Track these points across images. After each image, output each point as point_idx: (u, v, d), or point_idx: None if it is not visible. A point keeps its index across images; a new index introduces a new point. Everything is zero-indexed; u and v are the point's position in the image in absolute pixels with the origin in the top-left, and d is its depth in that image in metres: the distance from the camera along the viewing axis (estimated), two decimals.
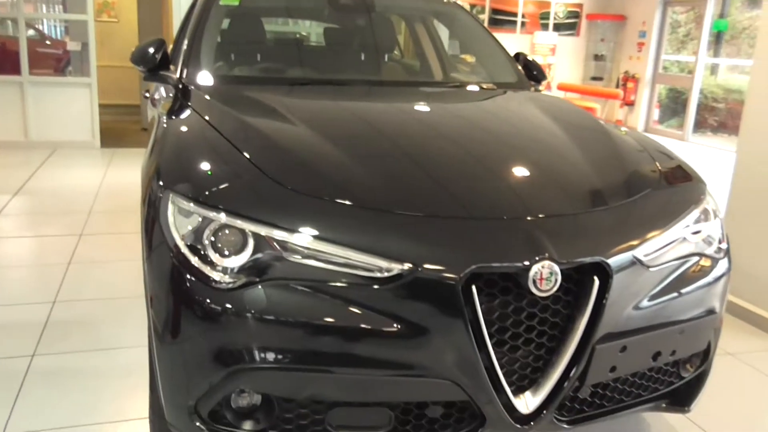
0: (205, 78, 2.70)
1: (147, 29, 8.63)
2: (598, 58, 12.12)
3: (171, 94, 2.71)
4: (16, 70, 6.98)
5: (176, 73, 2.73)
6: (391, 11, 3.76)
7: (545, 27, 11.59)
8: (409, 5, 3.78)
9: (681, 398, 2.08)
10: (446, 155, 2.11)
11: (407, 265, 1.63)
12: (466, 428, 1.77)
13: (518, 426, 1.74)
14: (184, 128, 2.22)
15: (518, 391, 1.75)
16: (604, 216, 1.88)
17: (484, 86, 3.06)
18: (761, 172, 3.41)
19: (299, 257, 1.66)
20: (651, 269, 1.85)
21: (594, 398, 1.91)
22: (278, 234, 1.67)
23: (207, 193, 1.75)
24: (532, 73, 3.25)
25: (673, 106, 12.74)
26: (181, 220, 1.74)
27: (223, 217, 1.69)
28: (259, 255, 1.67)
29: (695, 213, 2.06)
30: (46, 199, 5.21)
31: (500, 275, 1.68)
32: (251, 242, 1.68)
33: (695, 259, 2.00)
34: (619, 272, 1.77)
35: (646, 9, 11.42)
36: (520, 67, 3.22)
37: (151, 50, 2.79)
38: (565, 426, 1.84)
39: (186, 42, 2.83)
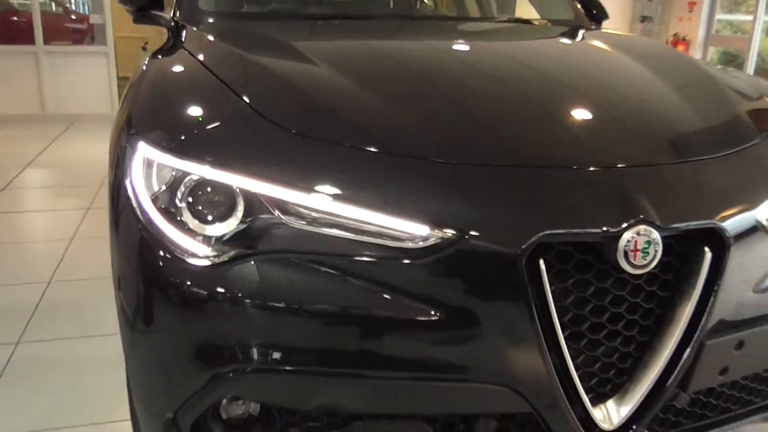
0: (204, 15, 2.26)
1: None
2: (645, 19, 11.35)
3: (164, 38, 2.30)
4: (32, 40, 6.70)
5: (170, 11, 2.31)
6: None
7: None
8: None
9: None
10: (500, 96, 1.63)
11: (450, 232, 1.19)
12: None
13: None
14: (167, 69, 1.79)
15: (598, 399, 1.31)
16: (715, 166, 1.40)
17: (536, 23, 2.58)
18: None
19: (305, 223, 1.23)
20: None
21: (694, 407, 1.46)
22: (277, 191, 1.24)
23: (184, 137, 1.33)
24: (591, 11, 2.75)
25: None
26: (152, 176, 1.32)
27: (203, 170, 1.27)
28: (251, 220, 1.24)
29: None
30: (57, 173, 4.90)
31: (577, 246, 1.22)
32: (241, 203, 1.25)
33: None
34: (738, 241, 1.30)
35: None
36: (578, 5, 2.72)
37: None
38: None
39: None
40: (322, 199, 1.23)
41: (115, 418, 1.98)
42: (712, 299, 1.28)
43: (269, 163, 1.28)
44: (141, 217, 1.29)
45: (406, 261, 1.20)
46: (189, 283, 1.23)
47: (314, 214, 1.23)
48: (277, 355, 1.24)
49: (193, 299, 1.24)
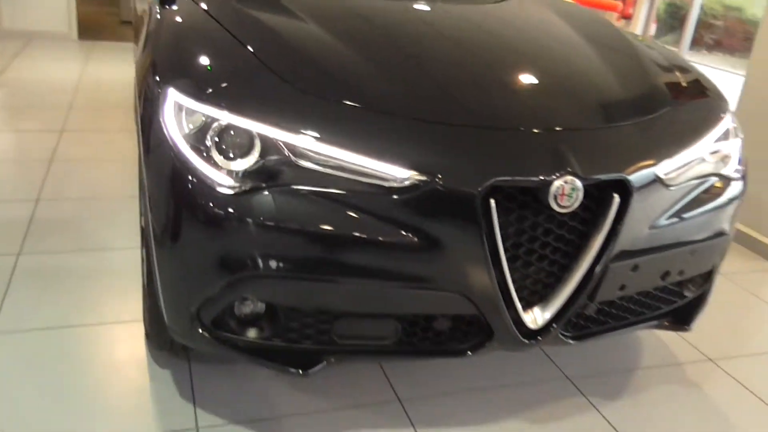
0: None
1: None
2: None
3: None
4: None
5: None
6: None
7: None
8: None
9: (682, 317, 2.09)
10: (465, 61, 1.98)
11: (425, 176, 1.55)
12: (472, 341, 1.75)
13: (525, 341, 1.73)
14: (180, 19, 2.05)
15: (528, 306, 1.73)
16: (627, 131, 1.80)
17: None
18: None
19: (310, 163, 1.57)
20: (670, 188, 1.80)
21: (599, 315, 1.90)
22: (288, 137, 1.57)
23: (211, 90, 1.63)
24: None
25: (671, 21, 12.40)
26: (182, 118, 1.62)
27: (229, 117, 1.58)
28: (267, 159, 1.57)
29: (717, 131, 1.99)
30: (23, 92, 4.96)
31: (519, 189, 1.61)
32: (258, 144, 1.58)
33: (713, 179, 1.95)
34: (640, 190, 1.71)
35: None
36: None
37: None
38: (570, 342, 1.84)
39: None
40: (323, 145, 1.56)
41: (124, 319, 2.30)
42: (616, 233, 1.69)
43: (281, 113, 1.60)
44: (174, 152, 1.60)
45: (390, 196, 1.56)
46: (216, 206, 1.56)
47: (317, 156, 1.57)
48: (282, 264, 1.58)
49: (217, 219, 1.57)
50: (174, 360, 2.11)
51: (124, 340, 2.21)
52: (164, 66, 1.78)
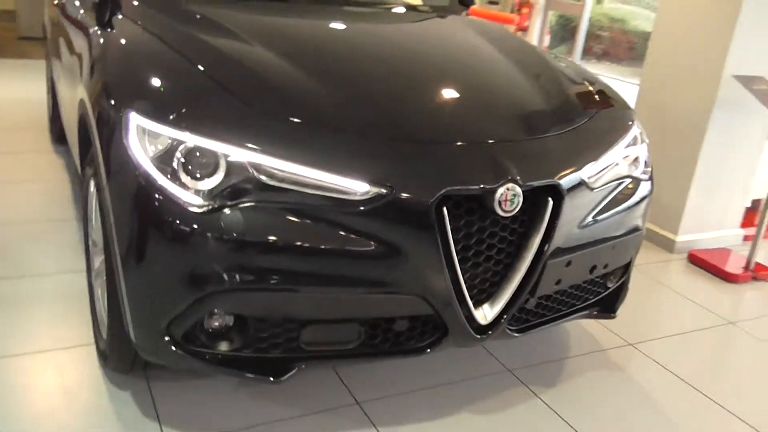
0: None
1: None
2: None
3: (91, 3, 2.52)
4: None
5: None
6: None
7: None
8: None
9: (608, 306, 2.32)
10: (405, 78, 2.13)
11: (383, 189, 1.68)
12: (429, 339, 1.89)
13: (477, 336, 1.88)
14: (126, 41, 2.09)
15: (478, 303, 1.88)
16: (556, 141, 2.00)
17: (421, 9, 3.07)
18: (664, 102, 3.69)
19: (273, 180, 1.66)
20: (594, 190, 2.01)
21: (538, 309, 2.09)
22: (252, 156, 1.65)
23: (174, 112, 1.69)
24: None
25: (562, 32, 13.19)
26: (146, 141, 1.68)
27: (194, 139, 1.65)
28: (232, 177, 1.65)
29: (628, 138, 2.23)
30: None
31: (466, 197, 1.77)
32: (223, 164, 1.65)
33: (627, 181, 2.18)
34: (569, 193, 1.91)
35: None
36: None
37: None
38: (515, 335, 2.01)
39: None
40: (285, 162, 1.66)
41: (69, 345, 2.28)
42: (552, 233, 1.88)
43: (243, 133, 1.69)
44: (141, 174, 1.65)
45: (350, 208, 1.67)
46: (185, 225, 1.63)
47: (280, 173, 1.66)
48: (251, 277, 1.67)
49: (188, 237, 1.63)
50: (132, 380, 2.12)
51: (75, 364, 2.19)
52: (121, 90, 1.82)
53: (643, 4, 14.99)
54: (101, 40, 2.14)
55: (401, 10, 2.99)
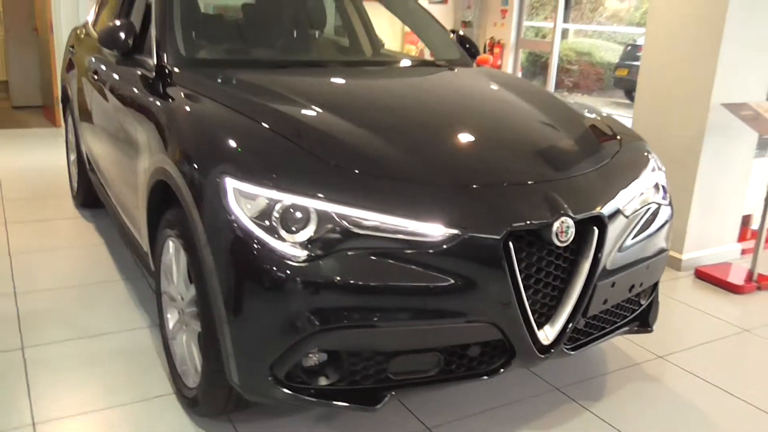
0: (187, 61, 2.72)
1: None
2: (466, 24, 12.70)
3: (139, 75, 2.75)
4: None
5: (150, 57, 2.74)
6: None
7: None
8: None
9: (645, 321, 2.54)
10: (454, 128, 2.38)
11: (457, 230, 1.90)
12: (498, 362, 2.09)
13: (541, 355, 2.09)
14: (196, 110, 2.31)
15: (540, 326, 2.09)
16: (594, 176, 2.25)
17: (439, 63, 3.34)
18: (658, 131, 3.99)
19: (359, 228, 1.87)
20: (628, 217, 2.26)
21: (586, 328, 2.31)
22: (339, 209, 1.86)
23: (269, 175, 1.90)
24: (467, 47, 3.57)
25: (533, 68, 13.74)
26: (244, 202, 1.88)
27: (289, 197, 1.86)
28: (323, 229, 1.86)
29: (649, 167, 2.50)
30: None
31: (529, 232, 1.99)
32: (315, 218, 1.86)
33: (653, 206, 2.44)
34: (610, 221, 2.15)
35: None
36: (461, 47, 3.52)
37: (122, 35, 2.79)
38: (570, 353, 2.22)
39: (155, 27, 2.81)
40: (369, 212, 1.88)
41: (153, 395, 2.44)
42: (599, 257, 2.11)
43: (330, 189, 1.90)
44: (243, 232, 1.85)
45: (430, 249, 1.89)
46: (286, 274, 1.82)
47: (366, 222, 1.87)
48: (347, 317, 1.86)
49: (289, 285, 1.82)
50: (217, 423, 2.28)
51: (160, 414, 2.34)
52: (212, 157, 2.02)
53: (604, 36, 15.68)
54: (165, 110, 2.36)
55: (423, 65, 3.26)
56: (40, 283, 3.35)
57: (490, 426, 2.35)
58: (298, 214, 1.86)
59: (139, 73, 2.78)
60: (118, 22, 2.83)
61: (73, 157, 4.60)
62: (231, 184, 1.91)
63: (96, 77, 3.43)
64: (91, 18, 4.31)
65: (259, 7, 3.56)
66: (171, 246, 2.33)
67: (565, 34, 12.99)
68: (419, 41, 11.55)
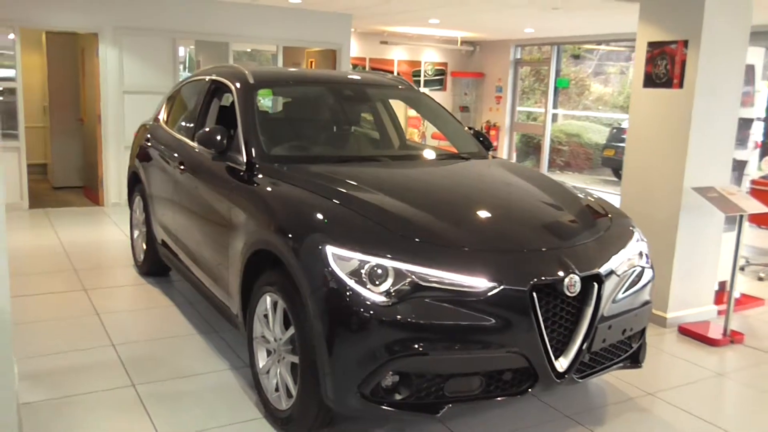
0: (268, 158, 3.50)
1: (57, 92, 8.91)
2: (463, 109, 13.81)
3: (232, 168, 3.52)
4: None
5: (241, 154, 3.51)
6: (386, 97, 4.75)
7: (417, 83, 13.07)
8: (397, 94, 4.78)
9: (635, 360, 3.22)
10: (484, 207, 3.14)
11: (497, 283, 2.61)
12: (525, 385, 2.75)
13: (557, 381, 2.76)
14: (285, 193, 3.09)
15: (556, 356, 2.77)
16: (594, 244, 2.99)
17: (462, 155, 4.12)
18: (641, 210, 4.76)
19: (425, 282, 2.58)
20: (619, 276, 2.98)
21: (590, 362, 2.98)
22: (409, 267, 2.58)
23: (358, 244, 2.63)
24: (481, 141, 4.37)
25: (526, 149, 14.77)
26: (341, 263, 2.59)
27: (373, 259, 2.58)
28: (399, 282, 2.56)
29: (633, 239, 3.23)
30: (17, 261, 5.49)
31: (546, 284, 2.70)
32: (392, 274, 2.57)
33: (638, 269, 3.16)
34: (606, 278, 2.87)
35: (500, 67, 13.28)
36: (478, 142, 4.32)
37: (218, 137, 3.57)
38: (578, 381, 2.89)
39: (242, 131, 3.60)
40: (431, 270, 2.59)
41: (247, 418, 3.07)
42: (599, 305, 2.82)
43: (405, 254, 2.62)
44: (342, 285, 2.56)
45: (477, 297, 2.59)
46: (374, 314, 2.51)
47: (430, 277, 2.58)
48: (418, 346, 2.53)
49: (376, 322, 2.51)
50: None
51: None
52: (313, 232, 2.75)
53: (590, 118, 16.85)
54: (259, 194, 3.15)
55: (452, 158, 4.05)
56: (131, 336, 4.00)
57: None
58: (380, 271, 2.57)
59: (231, 166, 3.54)
60: (213, 127, 3.61)
61: (137, 233, 5.32)
62: (330, 250, 2.63)
63: (183, 167, 4.18)
64: (162, 116, 5.12)
65: (315, 112, 4.39)
66: (268, 300, 3.02)
67: (554, 117, 14.01)
68: (421, 124, 12.56)
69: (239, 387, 3.39)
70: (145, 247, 5.10)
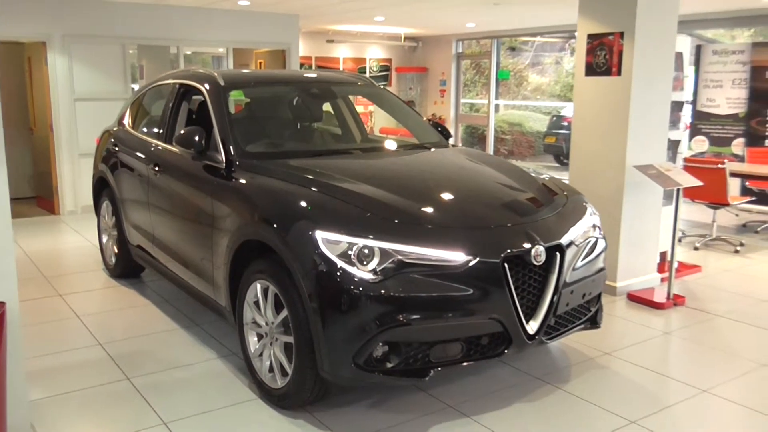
0: (244, 154, 3.69)
1: (4, 102, 8.76)
2: (409, 103, 14.10)
3: (210, 166, 3.70)
4: None
5: (219, 153, 3.69)
6: (349, 93, 5.00)
7: None
8: (358, 91, 5.05)
9: (594, 321, 3.56)
10: (456, 189, 3.41)
11: (473, 257, 2.89)
12: (501, 348, 3.05)
13: (528, 342, 3.06)
14: (267, 185, 3.31)
15: (527, 320, 3.07)
16: (555, 218, 3.30)
17: (426, 145, 4.39)
18: (589, 188, 5.14)
19: (408, 258, 2.84)
20: (577, 246, 3.31)
21: (556, 324, 3.30)
22: (393, 246, 2.83)
23: (345, 228, 2.86)
24: (440, 131, 4.66)
25: (471, 140, 15.22)
26: (330, 246, 2.83)
27: (361, 241, 2.82)
28: (383, 260, 2.81)
29: (587, 212, 3.58)
30: None
31: (515, 255, 3.00)
32: (378, 253, 2.82)
33: (593, 239, 3.50)
34: (566, 248, 3.19)
35: (443, 62, 13.66)
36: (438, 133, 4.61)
37: (197, 137, 3.73)
38: (547, 342, 3.20)
39: (217, 128, 3.78)
40: (414, 247, 2.85)
41: (242, 400, 3.27)
42: (561, 273, 3.13)
43: (384, 234, 2.87)
44: (333, 266, 2.79)
45: (456, 270, 2.86)
46: (364, 290, 2.76)
47: (413, 254, 2.84)
48: (405, 317, 2.79)
49: (365, 297, 2.76)
50: (300, 413, 3.13)
51: (253, 411, 3.17)
52: (303, 219, 2.97)
53: (531, 108, 17.49)
54: (241, 189, 3.37)
55: (417, 147, 4.31)
56: (115, 335, 4.13)
57: (495, 402, 3.28)
58: (367, 251, 2.82)
59: (210, 164, 3.72)
60: (191, 128, 3.77)
61: (105, 237, 5.40)
62: (320, 235, 2.86)
63: (158, 169, 4.31)
64: (126, 121, 5.22)
65: (284, 110, 4.59)
66: (258, 287, 3.22)
67: (497, 107, 14.48)
68: (369, 119, 12.82)
69: (230, 372, 3.58)
70: (116, 250, 5.19)
